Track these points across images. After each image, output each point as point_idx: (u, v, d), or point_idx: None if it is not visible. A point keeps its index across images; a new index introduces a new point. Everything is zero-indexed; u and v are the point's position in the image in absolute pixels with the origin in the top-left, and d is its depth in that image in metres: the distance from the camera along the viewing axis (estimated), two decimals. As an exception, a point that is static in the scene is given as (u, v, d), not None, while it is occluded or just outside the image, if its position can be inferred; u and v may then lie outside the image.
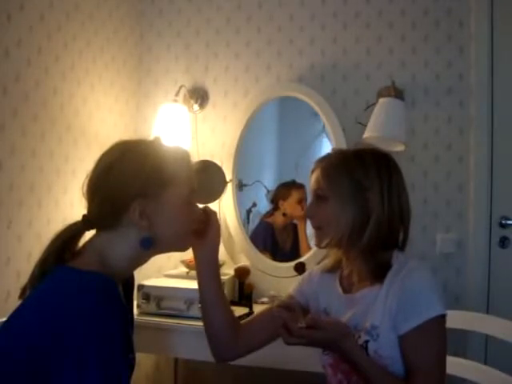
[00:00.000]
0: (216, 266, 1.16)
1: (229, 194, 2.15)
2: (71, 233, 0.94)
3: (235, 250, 2.18)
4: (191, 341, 1.72)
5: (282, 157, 2.28)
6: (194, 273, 1.97)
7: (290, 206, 2.18)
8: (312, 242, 2.07)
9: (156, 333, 1.75)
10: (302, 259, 2.03)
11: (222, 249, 2.12)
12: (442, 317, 1.01)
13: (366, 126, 1.96)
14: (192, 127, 2.21)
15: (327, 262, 1.22)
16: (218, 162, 2.14)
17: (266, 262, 2.13)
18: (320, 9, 2.19)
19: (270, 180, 2.25)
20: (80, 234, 0.96)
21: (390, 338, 1.01)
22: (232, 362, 1.24)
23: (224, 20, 2.28)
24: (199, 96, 2.27)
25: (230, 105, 2.26)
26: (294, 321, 0.99)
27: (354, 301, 1.09)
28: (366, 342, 1.02)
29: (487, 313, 1.88)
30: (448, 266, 2.03)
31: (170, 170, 0.95)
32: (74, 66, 1.89)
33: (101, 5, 2.06)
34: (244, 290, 1.98)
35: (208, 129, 2.28)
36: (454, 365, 1.38)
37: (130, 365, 0.92)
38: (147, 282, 1.82)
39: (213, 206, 2.01)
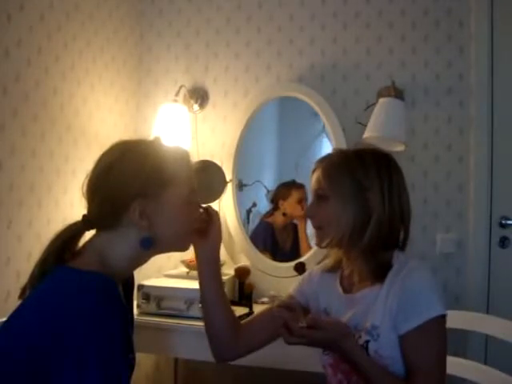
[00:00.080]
0: (217, 265, 1.16)
1: (229, 193, 2.15)
2: (71, 233, 0.94)
3: (235, 250, 2.18)
4: (191, 341, 1.72)
5: (282, 157, 2.28)
6: (194, 273, 1.98)
7: (289, 205, 2.18)
8: (312, 242, 2.07)
9: (156, 333, 1.75)
10: (302, 259, 2.03)
11: (222, 249, 2.11)
12: (443, 317, 1.01)
13: (366, 126, 1.96)
14: (192, 127, 2.21)
15: (327, 262, 1.22)
16: (218, 162, 2.14)
17: (265, 262, 2.13)
18: (320, 9, 2.19)
19: (270, 180, 2.25)
20: (80, 234, 0.96)
21: (390, 338, 1.01)
22: (232, 362, 1.24)
23: (224, 20, 2.28)
24: (199, 96, 2.27)
25: (230, 105, 2.26)
26: (295, 321, 0.99)
27: (355, 301, 1.09)
28: (367, 342, 1.02)
29: (487, 313, 1.88)
30: (448, 266, 2.03)
31: (169, 169, 0.95)
32: (74, 65, 1.89)
33: (101, 5, 2.06)
34: (244, 290, 1.98)
35: (208, 129, 2.28)
36: (454, 365, 1.38)
37: (130, 365, 0.92)
38: (147, 282, 1.82)
39: (213, 206, 2.01)
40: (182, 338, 1.74)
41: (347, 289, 1.14)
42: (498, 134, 2.02)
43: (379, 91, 2.08)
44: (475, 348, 1.91)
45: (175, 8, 2.34)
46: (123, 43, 2.25)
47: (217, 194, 2.09)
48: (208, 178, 2.05)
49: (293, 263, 1.93)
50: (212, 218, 1.12)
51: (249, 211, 2.22)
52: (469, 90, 2.05)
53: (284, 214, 2.19)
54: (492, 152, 2.01)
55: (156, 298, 1.78)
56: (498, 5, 2.03)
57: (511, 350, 1.42)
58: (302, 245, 2.14)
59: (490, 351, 1.92)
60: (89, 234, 0.97)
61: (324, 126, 2.11)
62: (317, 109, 2.09)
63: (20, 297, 0.92)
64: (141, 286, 1.79)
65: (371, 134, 1.92)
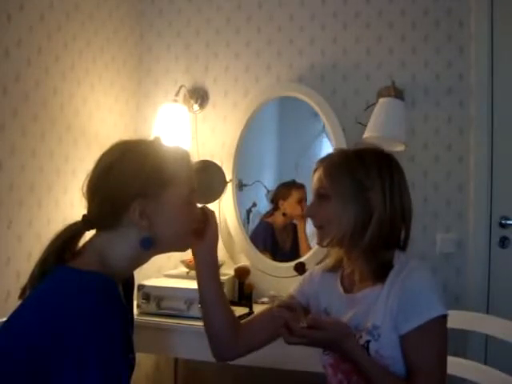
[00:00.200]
0: (215, 265, 1.16)
1: (229, 193, 2.15)
2: (71, 233, 0.94)
3: (235, 250, 2.18)
4: (191, 341, 1.72)
5: (282, 157, 2.28)
6: (194, 273, 1.96)
7: (290, 205, 2.18)
8: (312, 242, 2.07)
9: (156, 333, 1.75)
10: (301, 259, 2.03)
11: (222, 249, 2.12)
12: (444, 317, 1.01)
13: (366, 126, 1.96)
14: (192, 127, 2.21)
15: (328, 262, 1.22)
16: (218, 162, 2.14)
17: (265, 262, 2.13)
18: (320, 9, 2.19)
19: (270, 180, 2.25)
20: (80, 234, 0.96)
21: (391, 338, 1.01)
22: (232, 362, 1.24)
23: (224, 20, 2.28)
24: (199, 96, 2.27)
25: (230, 105, 2.26)
26: (296, 320, 0.99)
27: (355, 301, 1.09)
28: (368, 342, 1.02)
29: (487, 313, 1.88)
30: (448, 266, 2.03)
31: (170, 169, 0.95)
32: (74, 65, 1.89)
33: (101, 5, 2.06)
34: (244, 290, 1.98)
35: (208, 129, 2.28)
36: (454, 365, 1.37)
37: (130, 365, 0.92)
38: (147, 282, 1.82)
39: (213, 205, 2.02)
40: (182, 337, 1.74)
41: (348, 289, 1.14)
42: (498, 134, 2.02)
43: (379, 91, 2.08)
44: (475, 348, 1.91)
45: (175, 8, 2.34)
46: (123, 43, 2.25)
47: (217, 194, 2.09)
48: (208, 178, 2.05)
49: (293, 263, 1.93)
50: (208, 217, 1.12)
51: (249, 211, 2.22)
52: (469, 90, 2.05)
53: (284, 214, 2.19)
54: (492, 152, 2.01)
55: (156, 297, 1.78)
56: (498, 5, 2.03)
57: (511, 350, 1.42)
58: (302, 245, 2.14)
59: (489, 351, 1.92)
60: (89, 234, 0.97)
61: (324, 126, 2.11)
62: (317, 109, 2.09)
63: (20, 297, 0.92)
64: (141, 286, 1.79)
65: (371, 133, 1.92)
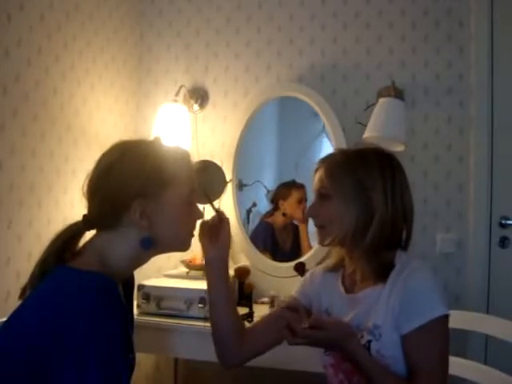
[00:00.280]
0: (226, 270, 1.16)
1: (229, 193, 2.15)
2: (71, 233, 0.94)
3: (235, 250, 2.18)
4: (191, 341, 1.72)
5: (282, 157, 2.28)
6: (194, 273, 1.98)
7: (290, 205, 2.18)
8: (314, 242, 2.07)
9: (156, 333, 1.75)
10: (302, 259, 2.03)
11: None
12: (445, 317, 1.01)
13: (366, 126, 1.96)
14: (192, 127, 2.21)
15: (329, 262, 1.22)
16: (218, 162, 2.14)
17: (266, 262, 2.13)
18: (320, 9, 2.19)
19: (270, 180, 2.25)
20: (80, 234, 0.96)
21: (392, 338, 1.01)
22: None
23: (224, 20, 2.28)
24: (199, 96, 2.27)
25: (230, 105, 2.26)
26: (298, 321, 1.00)
27: (357, 301, 1.09)
28: (369, 341, 1.02)
29: (487, 313, 1.88)
30: (448, 265, 2.03)
31: (170, 170, 0.95)
32: (74, 65, 1.89)
33: (101, 5, 2.06)
34: (244, 290, 1.98)
35: (208, 129, 2.28)
36: (454, 365, 1.37)
37: (130, 365, 0.92)
38: (147, 282, 1.82)
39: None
40: (182, 338, 1.74)
41: (349, 289, 1.14)
42: (498, 134, 2.02)
43: (379, 91, 2.08)
44: (475, 348, 1.91)
45: (175, 8, 2.34)
46: (123, 43, 2.25)
47: (217, 194, 2.09)
48: (208, 178, 2.05)
49: (293, 263, 1.92)
50: (223, 222, 1.13)
51: (249, 211, 2.22)
52: (469, 90, 2.05)
53: (284, 214, 2.19)
54: (492, 152, 2.01)
55: (156, 297, 1.78)
56: (498, 5, 2.03)
57: (511, 350, 1.42)
58: (304, 244, 2.14)
59: (490, 351, 1.92)
60: (89, 234, 0.97)
61: (324, 126, 2.11)
62: (317, 109, 2.09)
63: (20, 297, 0.92)
64: (141, 286, 1.79)
65: (371, 133, 1.92)
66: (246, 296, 1.96)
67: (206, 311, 1.69)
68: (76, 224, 0.95)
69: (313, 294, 1.21)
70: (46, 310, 0.82)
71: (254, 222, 2.23)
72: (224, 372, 2.19)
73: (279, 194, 2.20)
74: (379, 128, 1.91)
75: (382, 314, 1.03)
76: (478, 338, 1.88)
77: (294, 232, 2.19)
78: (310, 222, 1.19)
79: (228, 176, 2.12)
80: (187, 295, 1.76)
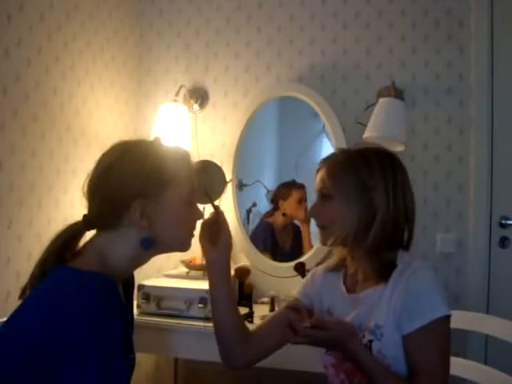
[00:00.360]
0: (227, 271, 1.15)
1: (229, 194, 2.15)
2: (71, 233, 0.94)
3: (235, 250, 2.18)
4: (191, 341, 1.72)
5: (282, 157, 2.28)
6: (193, 273, 1.98)
7: (290, 205, 2.18)
8: (316, 241, 2.07)
9: (156, 333, 1.75)
10: (302, 259, 2.03)
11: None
12: (447, 317, 1.01)
13: (366, 126, 1.96)
14: (192, 127, 2.21)
15: (331, 261, 1.22)
16: (218, 162, 2.14)
17: (265, 262, 2.13)
18: (320, 9, 2.19)
19: (270, 180, 2.25)
20: (80, 234, 0.96)
21: (393, 338, 1.01)
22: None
23: (224, 20, 2.28)
24: (199, 96, 2.28)
25: (230, 105, 2.26)
26: (300, 321, 1.00)
27: (358, 300, 1.09)
28: (370, 341, 1.02)
29: (487, 313, 1.88)
30: (448, 265, 2.03)
31: (170, 170, 0.95)
32: (74, 65, 1.89)
33: (101, 5, 2.06)
34: (244, 290, 1.98)
35: (208, 129, 2.28)
36: (454, 365, 1.36)
37: (130, 365, 0.92)
38: (147, 282, 1.82)
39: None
40: (182, 337, 1.74)
41: (351, 288, 1.14)
42: (498, 134, 2.02)
43: (379, 91, 2.08)
44: (475, 348, 1.91)
45: (175, 8, 2.34)
46: (123, 43, 2.25)
47: (217, 194, 2.09)
48: (208, 178, 2.05)
49: (293, 263, 1.93)
50: (222, 224, 1.13)
51: (249, 211, 2.22)
52: (469, 90, 2.05)
53: (284, 214, 2.19)
54: (492, 152, 2.01)
55: (156, 297, 1.78)
56: (498, 5, 2.03)
57: (511, 350, 1.42)
58: (305, 244, 2.14)
59: (489, 351, 1.92)
60: (89, 234, 0.97)
61: (324, 126, 2.11)
62: (317, 109, 2.09)
63: (20, 297, 0.92)
64: (141, 286, 1.79)
65: (371, 133, 1.92)
66: (246, 296, 1.96)
67: (207, 311, 1.70)
68: (76, 224, 0.95)
69: (314, 294, 1.21)
70: (46, 310, 0.82)
71: (254, 221, 2.23)
72: (224, 372, 2.19)
73: (279, 194, 2.20)
74: (379, 128, 1.91)
75: (384, 313, 1.03)
76: (478, 338, 1.88)
77: (294, 232, 2.19)
78: (312, 221, 1.18)
79: (228, 176, 2.12)
80: (187, 295, 1.76)
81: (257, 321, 1.74)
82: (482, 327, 1.49)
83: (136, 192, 0.92)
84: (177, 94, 2.15)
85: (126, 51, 2.27)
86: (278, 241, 2.21)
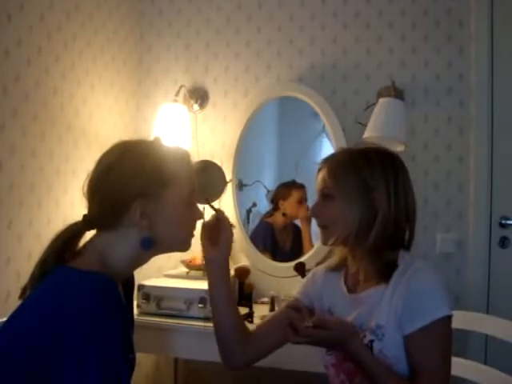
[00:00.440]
0: (226, 271, 1.15)
1: (229, 193, 2.15)
2: (71, 233, 0.94)
3: (235, 250, 2.18)
4: (191, 341, 1.72)
5: (282, 157, 2.28)
6: (193, 273, 1.98)
7: (290, 205, 2.18)
8: (316, 241, 2.07)
9: (156, 333, 1.75)
10: (302, 259, 2.03)
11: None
12: (448, 318, 1.01)
13: (366, 126, 1.96)
14: (192, 127, 2.21)
15: (332, 261, 1.22)
16: (218, 162, 2.14)
17: (266, 262, 2.13)
18: (320, 9, 2.19)
19: (270, 180, 2.25)
20: (80, 234, 0.96)
21: (395, 338, 1.01)
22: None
23: (224, 20, 2.28)
24: (199, 96, 2.28)
25: (230, 105, 2.26)
26: (301, 320, 0.99)
27: (359, 300, 1.09)
28: (371, 341, 1.02)
29: (487, 313, 1.88)
30: (448, 265, 2.03)
31: (170, 170, 0.95)
32: (74, 66, 1.89)
33: (101, 5, 2.06)
34: (244, 290, 1.98)
35: (208, 129, 2.28)
36: (454, 365, 1.36)
37: (130, 365, 0.92)
38: (147, 282, 1.82)
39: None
40: (182, 337, 1.74)
41: (352, 288, 1.14)
42: (498, 134, 2.02)
43: (379, 91, 2.08)
44: (475, 348, 1.91)
45: (175, 8, 2.34)
46: (123, 43, 2.25)
47: (217, 193, 2.09)
48: (208, 178, 2.05)
49: (293, 263, 1.93)
50: (222, 223, 1.12)
51: (249, 211, 2.22)
52: (469, 90, 2.05)
53: (284, 214, 2.19)
54: (492, 152, 2.01)
55: (156, 297, 1.78)
56: (498, 5, 2.03)
57: (511, 350, 1.42)
58: (305, 244, 2.14)
59: (489, 351, 1.92)
60: (89, 234, 0.97)
61: (324, 126, 2.11)
62: (317, 109, 2.09)
63: (20, 297, 0.91)
64: (141, 286, 1.79)
65: (371, 133, 1.92)
66: (246, 296, 1.96)
67: (207, 311, 1.70)
68: (76, 224, 0.95)
69: (315, 293, 1.21)
70: (46, 310, 0.82)
71: (254, 221, 2.23)
72: (224, 372, 2.19)
73: (279, 194, 2.20)
74: (379, 128, 1.91)
75: (385, 314, 1.02)
76: (478, 338, 1.88)
77: (294, 232, 2.20)
78: (312, 221, 1.18)
79: (228, 176, 2.13)
80: (187, 295, 1.76)
81: (257, 321, 1.73)
82: (482, 327, 1.49)
83: (136, 192, 0.92)
84: (177, 94, 2.15)
85: (126, 51, 2.27)
86: (278, 241, 2.21)
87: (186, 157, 1.01)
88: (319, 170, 1.15)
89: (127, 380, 0.84)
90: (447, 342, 1.01)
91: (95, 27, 2.02)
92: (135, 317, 1.13)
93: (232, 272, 2.02)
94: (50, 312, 0.81)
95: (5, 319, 0.85)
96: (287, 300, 1.32)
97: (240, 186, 2.21)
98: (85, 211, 0.95)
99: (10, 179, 1.59)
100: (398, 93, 1.99)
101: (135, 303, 1.72)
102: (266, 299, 1.99)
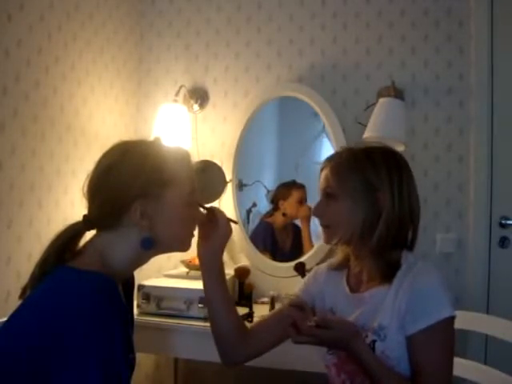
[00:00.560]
0: (219, 268, 1.14)
1: (229, 193, 2.15)
2: (72, 233, 0.94)
3: (235, 250, 2.18)
4: (191, 341, 1.72)
5: (282, 157, 2.28)
6: (193, 273, 1.98)
7: (290, 205, 2.18)
8: (316, 240, 2.07)
9: (156, 333, 1.75)
10: (302, 259, 2.03)
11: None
12: (451, 318, 1.00)
13: (366, 126, 1.96)
14: (192, 127, 2.21)
15: (334, 260, 1.21)
16: (218, 162, 2.14)
17: (265, 262, 2.13)
18: (320, 9, 2.19)
19: (269, 180, 2.25)
20: (80, 234, 0.96)
21: (397, 339, 1.00)
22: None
23: (224, 20, 2.28)
24: (199, 96, 2.28)
25: (230, 105, 2.27)
26: (304, 320, 0.99)
27: (362, 300, 1.08)
28: (373, 341, 1.02)
29: (487, 313, 1.88)
30: (448, 266, 2.03)
31: (170, 170, 0.95)
32: (74, 66, 1.89)
33: (101, 5, 2.06)
34: (244, 290, 1.98)
35: (208, 129, 2.28)
36: (454, 365, 1.36)
37: (130, 365, 0.92)
38: (147, 282, 1.82)
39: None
40: (182, 337, 1.74)
41: (354, 288, 1.13)
42: (498, 134, 2.02)
43: (379, 91, 2.08)
44: (475, 348, 1.91)
45: (175, 8, 2.34)
46: (123, 43, 2.25)
47: (217, 194, 2.09)
48: (208, 178, 2.05)
49: (292, 263, 1.93)
50: (216, 218, 1.11)
51: (249, 211, 2.22)
52: (469, 90, 2.05)
53: (284, 214, 2.19)
54: (492, 152, 2.01)
55: (156, 297, 1.78)
56: (498, 5, 2.03)
57: (511, 350, 1.42)
58: (305, 244, 2.14)
59: (489, 351, 1.92)
60: (89, 234, 0.97)
61: (324, 126, 2.11)
62: (317, 109, 2.09)
63: (20, 297, 0.91)
64: (141, 286, 1.79)
65: (371, 133, 1.92)
66: (246, 296, 1.96)
67: (206, 311, 1.69)
68: (76, 224, 0.95)
69: (316, 292, 1.20)
70: (46, 310, 0.82)
71: (254, 221, 2.23)
72: (224, 372, 2.20)
73: (279, 194, 2.20)
74: (379, 128, 1.91)
75: (388, 314, 1.02)
76: (477, 338, 1.88)
77: (294, 232, 2.19)
78: (312, 221, 1.18)
79: (228, 176, 2.13)
80: (187, 295, 1.76)
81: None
82: (482, 327, 1.49)
83: (136, 192, 0.92)
84: (177, 94, 2.15)
85: (126, 51, 2.27)
86: (278, 241, 2.21)
87: (186, 157, 1.01)
88: (322, 168, 1.14)
89: (127, 380, 0.84)
90: (450, 343, 1.00)
91: (95, 27, 2.02)
92: (135, 317, 1.13)
93: (232, 272, 2.02)
94: (50, 312, 0.81)
95: (5, 319, 0.85)
96: (288, 298, 1.32)
97: (240, 186, 2.21)
98: (85, 211, 0.95)
99: (10, 179, 1.59)
100: (398, 93, 1.99)
101: (135, 303, 1.72)
102: (266, 299, 1.99)
